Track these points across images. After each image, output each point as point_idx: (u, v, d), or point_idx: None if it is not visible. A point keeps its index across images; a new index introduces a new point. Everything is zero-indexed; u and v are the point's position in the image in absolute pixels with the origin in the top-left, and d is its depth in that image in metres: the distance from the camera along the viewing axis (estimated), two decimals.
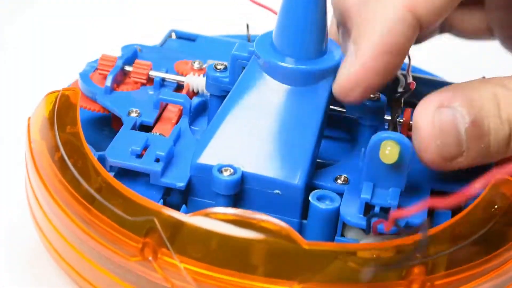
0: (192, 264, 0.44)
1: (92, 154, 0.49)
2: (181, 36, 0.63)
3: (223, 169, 0.48)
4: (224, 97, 0.52)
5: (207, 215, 0.45)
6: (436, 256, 0.45)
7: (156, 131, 0.52)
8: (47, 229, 0.50)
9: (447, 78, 0.62)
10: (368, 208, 0.47)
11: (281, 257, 0.44)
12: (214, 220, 0.45)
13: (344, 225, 0.48)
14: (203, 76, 0.55)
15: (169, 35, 0.62)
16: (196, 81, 0.55)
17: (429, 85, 0.59)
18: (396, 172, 0.47)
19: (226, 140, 0.49)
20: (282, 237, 0.44)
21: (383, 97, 0.51)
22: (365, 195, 0.47)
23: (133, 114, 0.53)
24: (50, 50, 0.73)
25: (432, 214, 0.49)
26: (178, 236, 0.45)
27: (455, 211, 0.50)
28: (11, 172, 0.59)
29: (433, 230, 0.46)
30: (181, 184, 0.48)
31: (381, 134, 0.46)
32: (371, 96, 0.51)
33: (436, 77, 0.62)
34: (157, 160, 0.49)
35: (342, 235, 0.48)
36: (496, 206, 0.48)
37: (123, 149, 0.49)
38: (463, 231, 0.46)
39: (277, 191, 0.48)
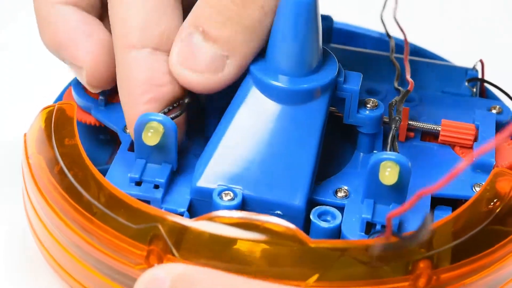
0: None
1: (92, 165, 0.48)
2: None
3: (223, 194, 0.47)
4: (222, 107, 0.52)
5: (211, 219, 0.45)
6: (441, 249, 0.45)
7: None
8: (48, 241, 0.49)
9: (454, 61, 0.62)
10: (369, 226, 0.47)
11: (288, 258, 0.44)
12: (219, 224, 0.45)
13: None
14: None
15: None
16: None
17: (432, 69, 0.59)
18: (396, 191, 0.47)
19: (225, 161, 0.48)
20: (288, 238, 0.44)
21: (381, 105, 0.51)
22: (366, 215, 0.47)
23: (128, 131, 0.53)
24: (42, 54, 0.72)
25: (433, 209, 0.49)
26: (183, 241, 0.45)
27: (455, 206, 0.51)
28: (7, 186, 0.58)
29: (436, 224, 0.46)
30: (182, 209, 0.48)
31: (380, 155, 0.46)
32: (369, 105, 0.51)
33: (442, 60, 0.62)
34: (156, 186, 0.49)
35: None
36: (495, 200, 0.48)
37: (121, 176, 0.49)
38: (465, 224, 0.47)
39: (278, 212, 0.48)
